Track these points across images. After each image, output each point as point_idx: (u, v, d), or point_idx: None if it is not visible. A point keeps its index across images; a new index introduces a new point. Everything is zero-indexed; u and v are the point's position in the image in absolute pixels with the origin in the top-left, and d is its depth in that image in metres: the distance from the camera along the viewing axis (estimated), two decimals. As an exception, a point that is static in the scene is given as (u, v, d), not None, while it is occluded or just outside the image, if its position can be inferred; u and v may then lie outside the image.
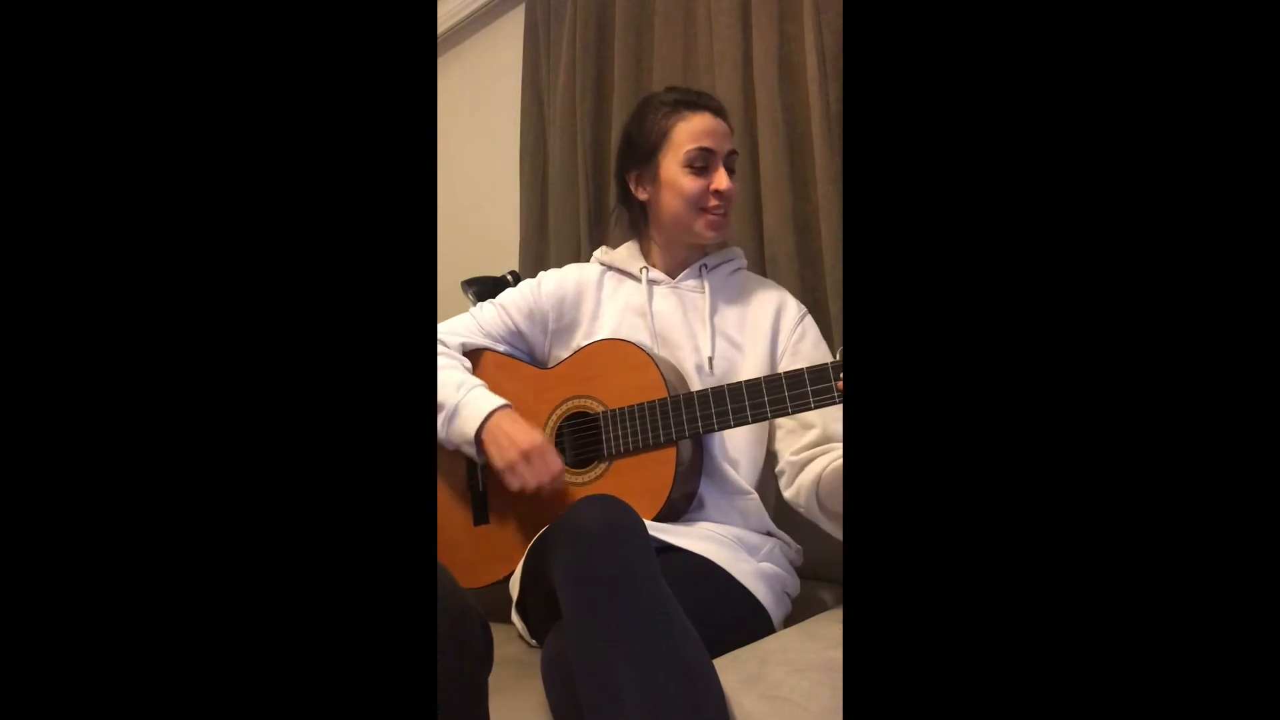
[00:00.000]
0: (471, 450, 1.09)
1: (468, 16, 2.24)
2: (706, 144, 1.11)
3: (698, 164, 1.11)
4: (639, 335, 1.14)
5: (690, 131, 1.12)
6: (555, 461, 1.04)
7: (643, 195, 1.18)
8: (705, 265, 1.19)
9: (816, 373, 0.94)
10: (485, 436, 1.06)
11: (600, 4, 1.77)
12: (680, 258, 1.20)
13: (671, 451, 1.03)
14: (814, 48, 1.32)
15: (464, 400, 1.08)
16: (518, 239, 1.94)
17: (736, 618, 0.98)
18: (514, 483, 1.05)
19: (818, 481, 1.04)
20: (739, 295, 1.19)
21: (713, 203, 1.12)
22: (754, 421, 0.99)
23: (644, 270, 1.19)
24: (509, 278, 1.73)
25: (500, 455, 1.05)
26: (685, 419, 1.02)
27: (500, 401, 1.08)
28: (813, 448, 1.08)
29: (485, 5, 2.19)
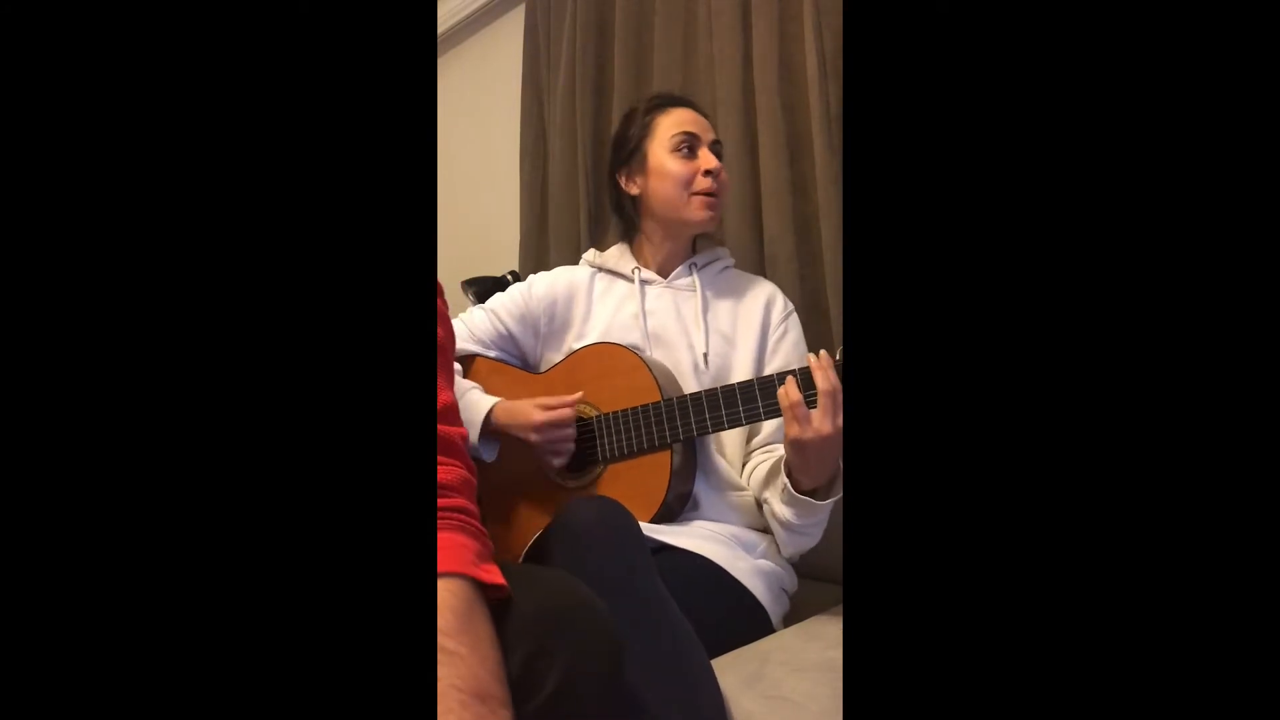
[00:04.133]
0: (478, 451, 1.10)
1: (468, 16, 2.24)
2: (690, 129, 1.16)
3: (684, 147, 1.16)
4: (632, 336, 1.15)
5: (673, 120, 1.18)
6: (562, 408, 1.07)
7: (634, 190, 1.21)
8: (694, 264, 1.21)
9: (808, 374, 0.94)
10: (498, 432, 1.09)
11: (600, 4, 1.77)
12: (671, 255, 1.21)
13: (666, 455, 1.04)
14: (814, 48, 1.32)
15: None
16: (518, 239, 1.94)
17: (734, 615, 0.98)
18: (548, 458, 1.08)
19: (751, 476, 1.11)
20: (729, 291, 1.20)
21: (702, 183, 1.15)
22: (748, 423, 1.01)
23: (635, 271, 1.20)
24: (509, 278, 1.73)
25: (525, 440, 1.08)
26: (679, 422, 1.03)
27: (492, 400, 1.11)
28: (759, 446, 1.14)
29: (485, 5, 2.19)
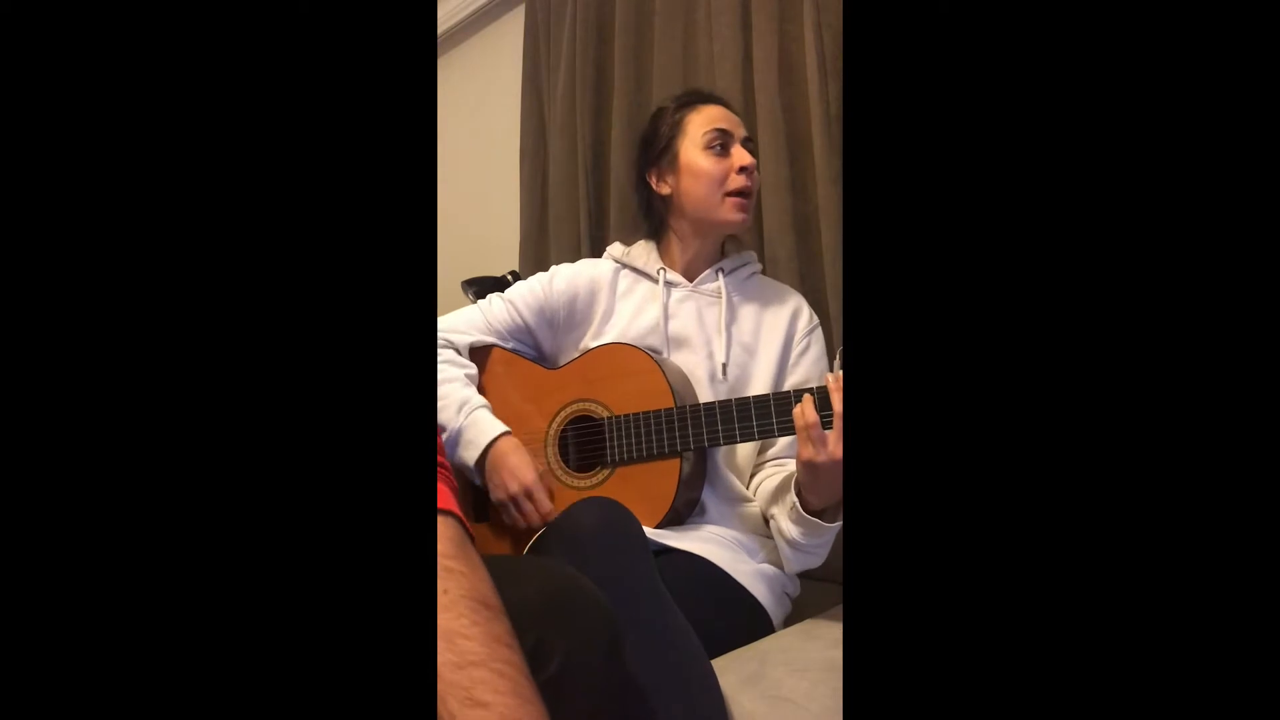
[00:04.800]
0: (473, 475, 1.11)
1: (468, 16, 2.24)
2: (722, 125, 1.13)
3: (716, 144, 1.12)
4: (652, 338, 1.13)
5: (705, 117, 1.14)
6: (546, 504, 1.07)
7: (665, 189, 1.17)
8: (722, 269, 1.18)
9: (825, 394, 0.94)
10: (486, 466, 1.09)
11: (600, 4, 1.77)
12: (698, 257, 1.19)
13: (675, 462, 1.03)
14: (814, 48, 1.32)
15: (466, 424, 1.09)
16: (518, 239, 1.94)
17: (736, 618, 0.98)
18: (508, 519, 1.08)
19: (758, 490, 1.10)
20: (755, 299, 1.18)
21: (736, 181, 1.12)
22: (760, 438, 0.99)
23: (661, 271, 1.17)
24: (509, 278, 1.73)
25: (499, 489, 1.08)
26: (691, 432, 1.02)
27: (501, 428, 1.09)
28: (769, 461, 1.13)
29: (485, 5, 2.19)
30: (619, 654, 0.67)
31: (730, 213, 1.13)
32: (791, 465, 1.07)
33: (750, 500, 1.11)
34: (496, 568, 0.63)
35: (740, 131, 1.15)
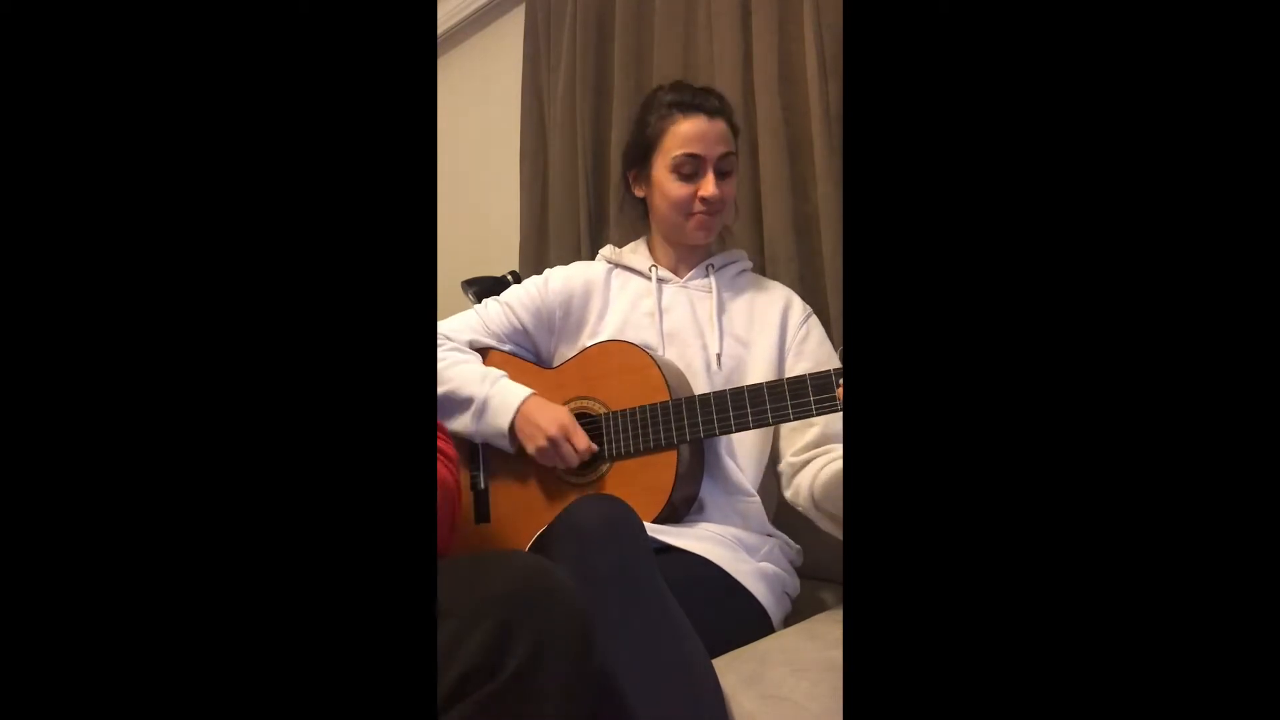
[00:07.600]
0: (504, 442, 1.10)
1: (468, 16, 2.24)
2: (695, 149, 1.12)
3: (685, 170, 1.12)
4: (647, 334, 1.14)
5: (680, 136, 1.13)
6: (584, 440, 1.07)
7: (640, 193, 1.21)
8: (711, 265, 1.20)
9: (819, 379, 0.94)
10: (519, 424, 1.09)
11: (600, 4, 1.77)
12: (684, 256, 1.21)
13: (673, 455, 1.03)
14: (814, 48, 1.32)
15: (493, 392, 1.11)
16: (518, 239, 1.94)
17: (736, 618, 0.98)
18: (551, 462, 1.08)
19: (813, 482, 1.05)
20: (745, 294, 1.19)
21: (699, 208, 1.13)
22: (755, 427, 0.99)
23: (653, 269, 1.19)
24: (509, 278, 1.73)
25: (536, 436, 1.07)
26: (687, 423, 1.03)
27: (527, 391, 1.10)
28: (813, 448, 1.09)
29: (485, 5, 2.19)
30: (590, 651, 0.64)
31: (693, 233, 1.16)
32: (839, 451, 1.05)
33: (752, 495, 1.11)
34: (469, 564, 0.63)
35: (717, 150, 1.12)
